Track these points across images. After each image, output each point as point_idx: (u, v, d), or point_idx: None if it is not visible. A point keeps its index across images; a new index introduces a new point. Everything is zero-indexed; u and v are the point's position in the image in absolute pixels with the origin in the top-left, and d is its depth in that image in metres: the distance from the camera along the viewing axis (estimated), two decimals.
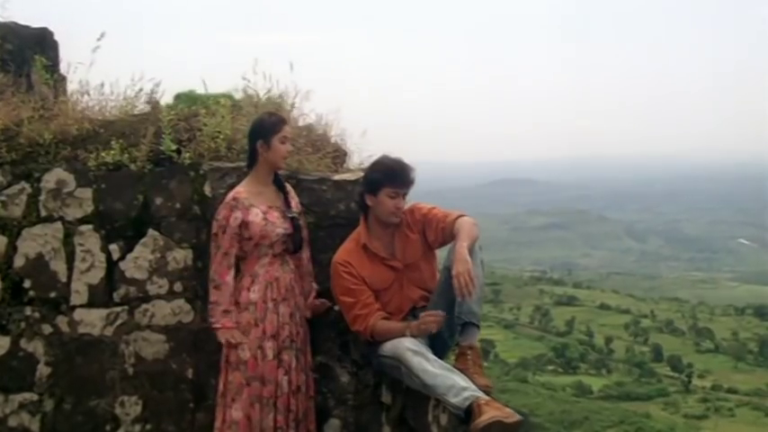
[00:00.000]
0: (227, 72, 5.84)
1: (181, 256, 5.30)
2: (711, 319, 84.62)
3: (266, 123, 4.75)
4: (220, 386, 4.79)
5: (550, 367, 68.06)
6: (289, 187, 4.95)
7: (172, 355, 5.30)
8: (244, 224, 4.71)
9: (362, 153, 5.51)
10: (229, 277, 4.71)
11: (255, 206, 4.74)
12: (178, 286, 5.30)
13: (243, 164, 5.21)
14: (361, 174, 5.06)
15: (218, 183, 5.26)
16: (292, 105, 5.64)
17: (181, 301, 5.30)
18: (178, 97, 5.93)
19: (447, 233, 4.72)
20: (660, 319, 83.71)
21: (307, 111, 5.69)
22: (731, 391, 65.51)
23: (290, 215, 4.82)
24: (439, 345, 4.60)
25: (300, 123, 5.70)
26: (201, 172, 5.31)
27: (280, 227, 4.77)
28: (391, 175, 4.70)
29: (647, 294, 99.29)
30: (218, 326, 4.73)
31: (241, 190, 4.77)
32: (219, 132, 5.39)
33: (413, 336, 4.51)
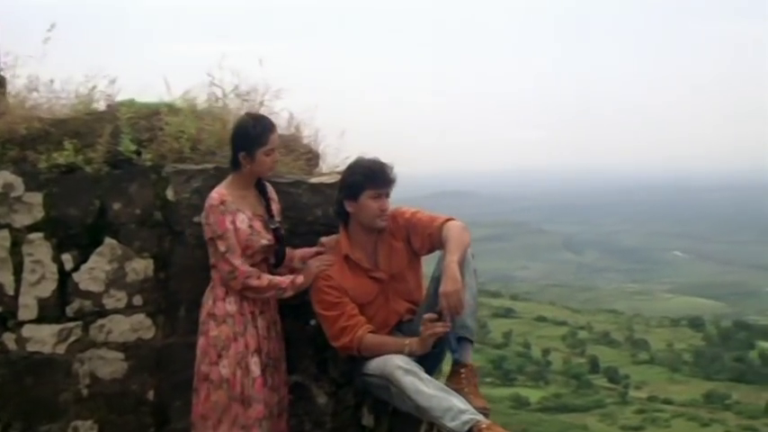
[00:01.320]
0: (184, 80, 5.40)
1: (141, 267, 4.86)
2: (647, 330, 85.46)
3: (250, 135, 4.33)
4: (198, 408, 4.36)
5: (488, 379, 67.98)
6: (272, 192, 4.57)
7: (131, 374, 4.86)
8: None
9: (339, 155, 5.11)
10: (247, 265, 4.31)
11: (242, 211, 4.35)
12: (138, 299, 4.86)
13: (209, 166, 4.84)
14: (339, 176, 4.71)
15: (182, 186, 4.84)
16: (261, 103, 5.21)
17: (141, 316, 4.86)
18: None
19: (435, 240, 4.37)
20: (597, 331, 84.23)
21: (278, 110, 5.27)
22: (667, 401, 66.14)
23: (272, 225, 4.44)
24: (428, 362, 4.23)
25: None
26: (164, 175, 4.88)
27: (264, 237, 4.39)
28: (371, 175, 4.36)
29: (583, 306, 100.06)
30: (291, 286, 4.37)
31: (225, 192, 4.36)
32: (183, 132, 4.97)
33: (411, 353, 4.15)
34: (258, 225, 4.37)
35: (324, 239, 4.57)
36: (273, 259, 4.47)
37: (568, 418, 60.15)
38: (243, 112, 4.95)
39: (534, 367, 75.26)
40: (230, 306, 4.33)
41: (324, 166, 5.16)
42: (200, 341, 4.38)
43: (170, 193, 4.85)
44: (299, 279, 4.37)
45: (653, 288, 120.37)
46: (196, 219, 4.74)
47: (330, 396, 4.79)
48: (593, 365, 74.34)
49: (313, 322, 4.62)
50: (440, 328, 4.10)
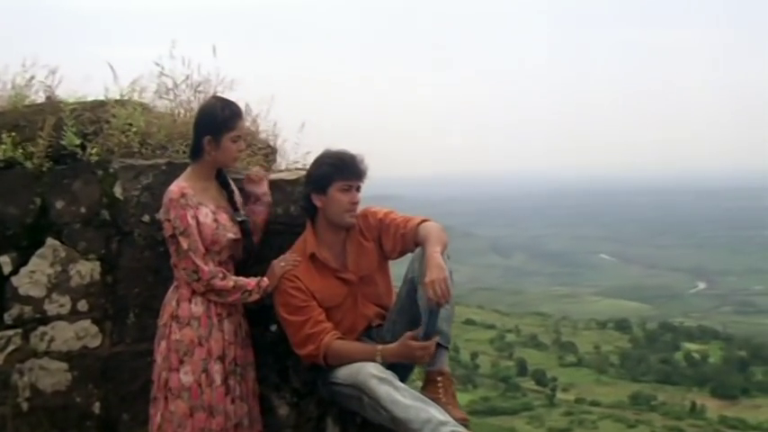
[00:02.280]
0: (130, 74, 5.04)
1: (86, 270, 4.51)
2: (575, 333, 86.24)
3: (218, 118, 4.01)
4: (157, 419, 4.00)
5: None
6: (233, 185, 4.25)
7: (75, 386, 4.51)
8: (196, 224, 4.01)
9: (298, 150, 4.82)
10: (212, 265, 3.99)
11: (204, 204, 4.04)
12: (83, 305, 4.51)
13: (161, 161, 4.54)
14: (302, 173, 4.44)
15: (130, 183, 4.52)
16: (214, 96, 4.88)
17: (86, 323, 4.51)
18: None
19: (408, 241, 4.11)
20: (524, 334, 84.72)
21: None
22: (594, 403, 66.78)
23: (239, 218, 4.14)
24: (399, 369, 3.96)
25: None
26: (111, 171, 4.55)
27: (230, 231, 4.08)
28: (340, 166, 4.09)
29: (511, 309, 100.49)
30: (257, 289, 4.07)
31: (185, 185, 4.03)
32: (131, 125, 4.64)
33: (383, 362, 3.88)
34: (223, 218, 4.07)
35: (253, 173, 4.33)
36: (242, 254, 4.17)
37: (497, 421, 60.34)
38: (194, 105, 4.64)
39: (462, 371, 75.42)
40: (196, 308, 4.01)
41: (282, 161, 4.87)
42: (161, 346, 4.05)
43: (118, 191, 4.52)
44: (265, 281, 4.07)
45: (580, 291, 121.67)
46: (145, 218, 4.46)
47: (292, 407, 4.47)
48: (521, 368, 74.79)
49: (274, 328, 4.33)
50: (426, 348, 3.87)
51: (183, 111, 4.82)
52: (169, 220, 3.97)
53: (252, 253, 4.19)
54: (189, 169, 4.12)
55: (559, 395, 68.92)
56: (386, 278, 4.30)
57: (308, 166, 4.45)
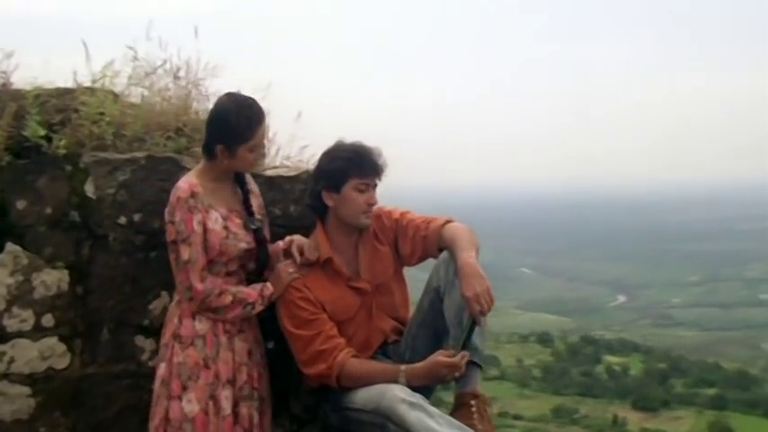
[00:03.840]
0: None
1: (53, 280, 3.92)
2: (497, 346, 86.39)
3: (232, 128, 3.42)
4: None
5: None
6: (252, 184, 3.74)
7: (40, 413, 3.90)
8: (203, 230, 3.47)
9: (294, 143, 4.30)
10: (209, 281, 3.45)
11: (214, 208, 3.50)
12: (48, 320, 3.91)
13: (140, 155, 4.01)
14: (301, 168, 3.93)
15: (104, 180, 3.95)
16: (195, 83, 4.35)
17: (52, 340, 3.91)
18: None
19: (430, 244, 3.65)
20: None
21: (215, 91, 4.40)
22: (517, 417, 66.84)
23: (252, 226, 3.59)
24: (421, 392, 3.45)
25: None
26: (82, 166, 3.98)
27: (242, 240, 3.54)
28: (357, 161, 3.59)
29: None
30: (260, 300, 3.54)
31: (196, 182, 3.48)
32: (103, 114, 4.08)
33: (408, 383, 3.37)
34: (235, 225, 3.54)
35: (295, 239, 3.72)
36: (254, 265, 3.62)
37: None
38: (171, 93, 4.10)
39: None
40: (200, 324, 3.47)
41: (277, 156, 4.33)
42: (161, 369, 3.51)
43: (89, 189, 3.96)
44: (269, 289, 3.54)
45: (502, 304, 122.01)
46: (122, 220, 3.92)
47: None
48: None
49: (271, 345, 3.77)
50: (453, 371, 3.41)
51: (159, 99, 4.27)
52: (173, 223, 3.44)
53: (266, 263, 3.65)
54: (201, 164, 3.58)
55: None
56: (402, 287, 3.82)
57: (305, 161, 3.96)
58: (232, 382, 3.48)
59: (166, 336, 3.53)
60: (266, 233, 3.66)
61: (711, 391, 62.52)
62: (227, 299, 3.45)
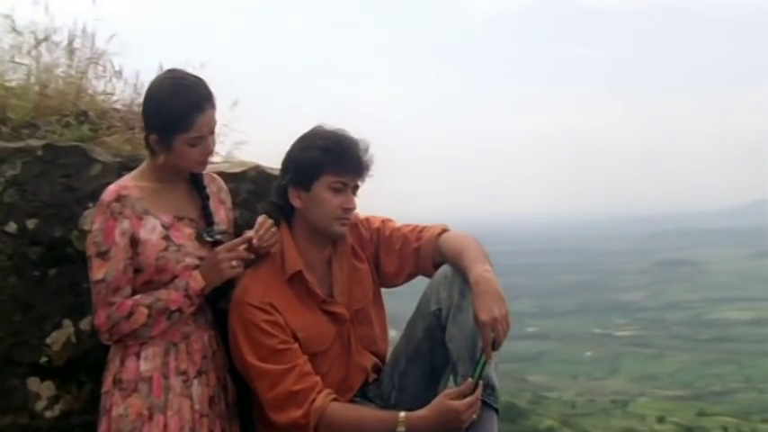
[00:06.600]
0: None
1: None
2: None
3: (164, 112, 2.63)
4: None
5: None
6: (219, 183, 2.96)
7: None
8: (132, 242, 2.63)
9: (228, 137, 3.54)
10: (116, 306, 2.60)
11: (152, 214, 2.69)
12: None
13: (36, 143, 3.18)
14: (251, 164, 3.18)
15: None
16: (97, 60, 3.48)
17: None
18: None
19: (424, 258, 2.97)
20: None
21: (126, 70, 3.57)
22: None
23: (208, 237, 2.78)
24: None
25: (119, 90, 3.56)
26: None
27: (191, 254, 2.72)
28: (336, 153, 2.82)
29: None
30: (187, 302, 2.69)
31: (130, 184, 2.69)
32: None
33: None
34: (181, 235, 2.73)
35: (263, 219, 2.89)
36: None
37: None
38: (62, 70, 3.27)
39: None
40: (146, 364, 2.66)
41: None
42: (101, 426, 2.65)
43: None
44: (198, 283, 2.70)
45: None
46: (11, 227, 3.03)
47: None
48: None
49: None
50: (469, 413, 2.67)
51: (51, 77, 3.40)
52: (90, 232, 2.64)
53: (229, 284, 2.81)
54: (144, 162, 2.78)
55: None
56: (381, 315, 3.09)
57: (237, 161, 3.21)
58: None
59: (107, 381, 2.70)
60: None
61: None
62: (142, 316, 2.62)
